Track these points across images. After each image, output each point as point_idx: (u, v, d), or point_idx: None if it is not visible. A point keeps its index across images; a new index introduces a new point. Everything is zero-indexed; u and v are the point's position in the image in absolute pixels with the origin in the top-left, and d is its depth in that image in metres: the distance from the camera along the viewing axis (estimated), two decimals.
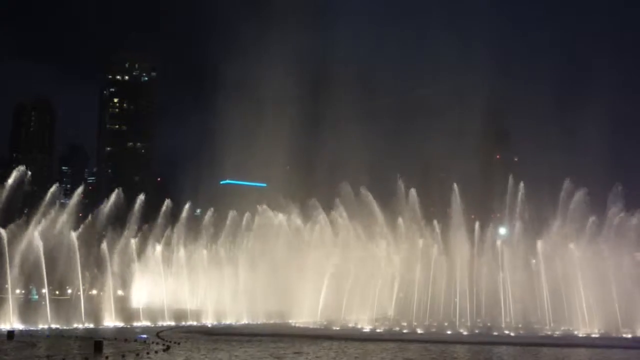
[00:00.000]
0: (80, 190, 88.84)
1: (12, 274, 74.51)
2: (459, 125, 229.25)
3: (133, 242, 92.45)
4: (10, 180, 76.29)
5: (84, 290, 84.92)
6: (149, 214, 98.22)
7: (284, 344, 58.96)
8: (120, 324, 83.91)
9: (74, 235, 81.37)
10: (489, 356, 53.87)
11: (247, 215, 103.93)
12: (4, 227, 74.30)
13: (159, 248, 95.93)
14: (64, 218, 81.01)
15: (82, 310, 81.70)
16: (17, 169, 79.57)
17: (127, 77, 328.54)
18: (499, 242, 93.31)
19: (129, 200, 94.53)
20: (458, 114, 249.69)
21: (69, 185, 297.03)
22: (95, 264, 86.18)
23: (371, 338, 69.34)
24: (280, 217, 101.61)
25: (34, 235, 76.55)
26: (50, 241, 78.22)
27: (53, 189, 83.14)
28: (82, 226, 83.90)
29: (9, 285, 74.21)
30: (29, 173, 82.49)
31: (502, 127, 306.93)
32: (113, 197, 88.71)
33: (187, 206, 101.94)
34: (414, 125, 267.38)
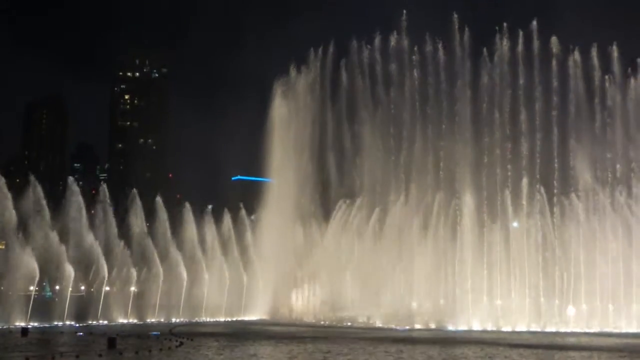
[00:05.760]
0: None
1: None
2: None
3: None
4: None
5: (97, 287, 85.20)
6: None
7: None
8: (134, 321, 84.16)
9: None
10: None
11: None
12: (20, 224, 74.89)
13: None
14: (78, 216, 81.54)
15: (99, 307, 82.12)
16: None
17: (137, 74, 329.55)
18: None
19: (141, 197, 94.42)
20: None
21: (80, 182, 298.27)
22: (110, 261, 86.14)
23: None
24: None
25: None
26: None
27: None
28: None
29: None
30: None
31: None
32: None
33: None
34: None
